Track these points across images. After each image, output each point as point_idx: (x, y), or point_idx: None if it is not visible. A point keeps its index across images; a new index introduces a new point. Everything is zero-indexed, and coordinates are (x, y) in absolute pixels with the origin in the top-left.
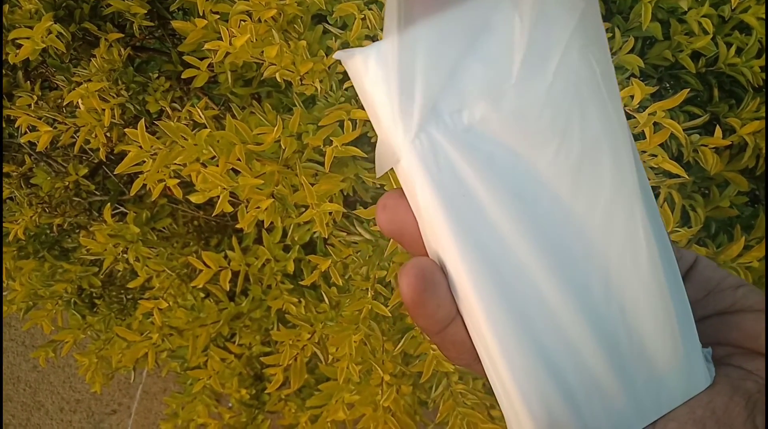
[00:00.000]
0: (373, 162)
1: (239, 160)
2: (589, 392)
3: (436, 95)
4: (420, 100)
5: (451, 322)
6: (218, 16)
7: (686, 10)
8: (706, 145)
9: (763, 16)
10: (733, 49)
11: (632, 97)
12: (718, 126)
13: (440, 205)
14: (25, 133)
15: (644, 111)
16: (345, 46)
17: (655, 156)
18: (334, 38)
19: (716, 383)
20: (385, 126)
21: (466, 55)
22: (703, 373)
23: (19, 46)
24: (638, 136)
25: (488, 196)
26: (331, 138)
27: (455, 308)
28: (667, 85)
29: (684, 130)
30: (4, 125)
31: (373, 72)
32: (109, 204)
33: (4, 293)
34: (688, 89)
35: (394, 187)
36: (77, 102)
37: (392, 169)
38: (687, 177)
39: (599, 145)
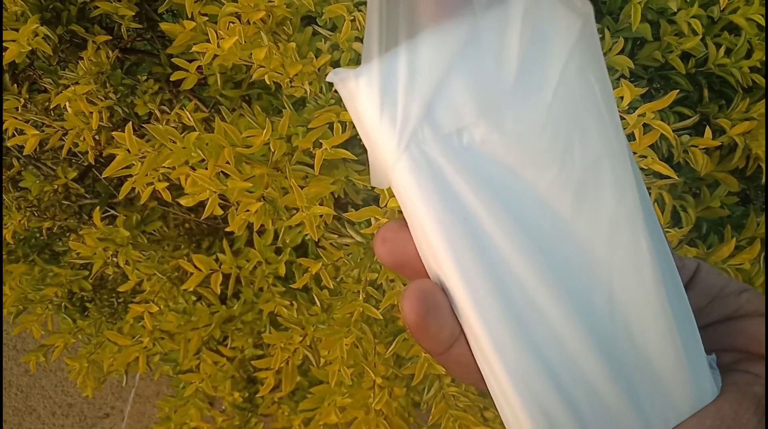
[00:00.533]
0: (363, 164)
1: (228, 163)
2: (595, 409)
3: (432, 115)
4: (414, 120)
5: (455, 343)
6: (207, 18)
7: (676, 11)
8: (696, 146)
9: (752, 16)
10: (722, 50)
11: (622, 98)
12: (708, 127)
13: (438, 225)
14: (13, 136)
15: (634, 112)
16: (334, 47)
17: (645, 157)
18: (323, 40)
19: (724, 391)
20: (380, 147)
21: (461, 73)
22: (710, 384)
23: (5, 49)
24: (628, 138)
25: (487, 215)
26: (320, 140)
27: (458, 328)
28: (657, 85)
29: (674, 130)
30: None
31: (364, 93)
32: (98, 207)
33: None
34: (678, 90)
35: (386, 191)
36: (65, 105)
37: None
38: (677, 178)
39: (600, 164)
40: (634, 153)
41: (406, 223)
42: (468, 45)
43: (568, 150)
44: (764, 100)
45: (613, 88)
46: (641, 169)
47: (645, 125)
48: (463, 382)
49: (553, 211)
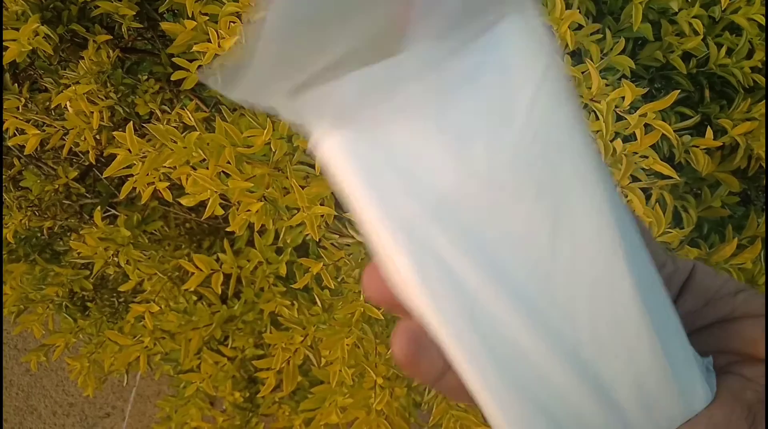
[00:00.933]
0: None
1: (229, 162)
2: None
3: (404, 176)
4: (391, 183)
5: (446, 373)
6: (207, 18)
7: (677, 11)
8: (697, 146)
9: (753, 16)
10: (723, 50)
11: (623, 98)
12: (709, 127)
13: (413, 274)
14: (13, 135)
15: (635, 112)
16: None
17: (647, 157)
18: None
19: (717, 396)
20: (359, 204)
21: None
22: (704, 389)
23: (6, 48)
24: (629, 138)
25: (462, 261)
26: None
27: (446, 363)
28: (658, 85)
29: (675, 131)
30: None
31: (340, 157)
32: (99, 207)
33: None
34: (679, 90)
35: None
36: (66, 104)
37: None
38: (678, 178)
39: (572, 192)
40: (635, 153)
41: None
42: (433, 79)
43: (542, 182)
44: (765, 101)
45: (615, 88)
46: (643, 169)
47: (646, 125)
48: (459, 402)
49: (529, 244)
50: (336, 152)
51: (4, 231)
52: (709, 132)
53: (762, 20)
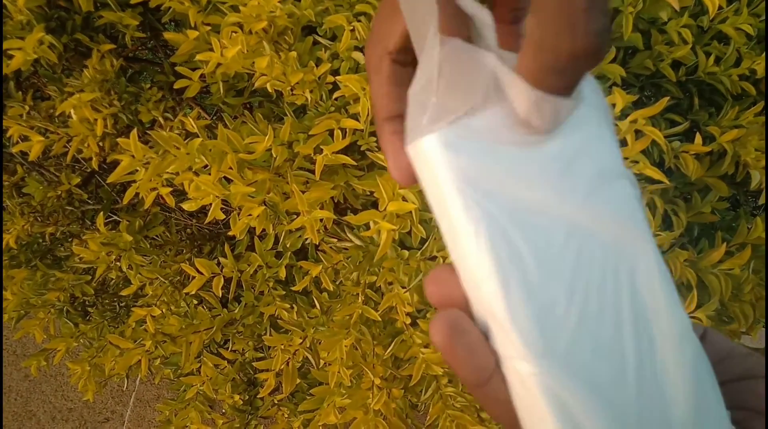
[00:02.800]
0: (363, 169)
1: (231, 168)
2: None
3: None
4: (484, 189)
5: (492, 377)
6: (210, 28)
7: (666, 20)
8: (687, 152)
9: (740, 26)
10: (712, 59)
11: (614, 105)
12: (698, 133)
13: (499, 285)
14: (17, 142)
15: (626, 119)
16: (334, 56)
17: (637, 162)
18: (323, 49)
19: None
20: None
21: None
22: None
23: (11, 57)
24: (620, 143)
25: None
26: (321, 146)
27: (493, 361)
28: (649, 93)
29: (665, 137)
30: None
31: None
32: (102, 213)
33: None
34: (669, 97)
35: (383, 193)
36: (69, 112)
37: (383, 174)
38: (668, 182)
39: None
40: (626, 158)
41: (455, 270)
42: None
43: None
44: (753, 108)
45: (606, 95)
46: (634, 174)
47: (637, 131)
48: (500, 423)
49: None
50: (441, 150)
51: (7, 237)
52: (698, 138)
53: (750, 29)
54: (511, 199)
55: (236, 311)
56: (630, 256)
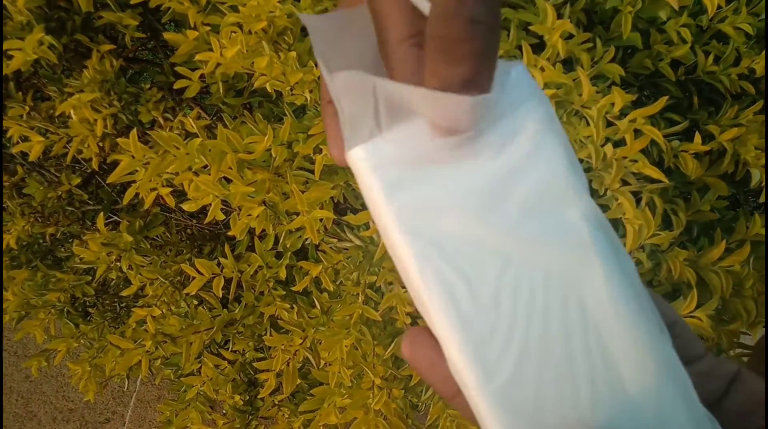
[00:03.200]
0: None
1: (231, 168)
2: None
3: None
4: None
5: (460, 390)
6: (209, 28)
7: (665, 20)
8: (686, 151)
9: (739, 25)
10: (711, 58)
11: (613, 104)
12: (697, 132)
13: (444, 310)
14: (17, 143)
15: (625, 118)
16: None
17: (637, 161)
18: None
19: None
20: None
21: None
22: None
23: (11, 57)
24: (620, 143)
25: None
26: (320, 146)
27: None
28: (648, 93)
29: (665, 136)
30: None
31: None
32: (102, 213)
33: None
34: (668, 96)
35: None
36: (69, 112)
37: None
38: (668, 182)
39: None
40: (625, 157)
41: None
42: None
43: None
44: (752, 107)
45: (605, 95)
46: (633, 173)
47: (636, 130)
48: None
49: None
50: (371, 167)
51: (7, 237)
52: (698, 137)
53: (749, 29)
54: (441, 231)
55: (236, 311)
56: (575, 280)
